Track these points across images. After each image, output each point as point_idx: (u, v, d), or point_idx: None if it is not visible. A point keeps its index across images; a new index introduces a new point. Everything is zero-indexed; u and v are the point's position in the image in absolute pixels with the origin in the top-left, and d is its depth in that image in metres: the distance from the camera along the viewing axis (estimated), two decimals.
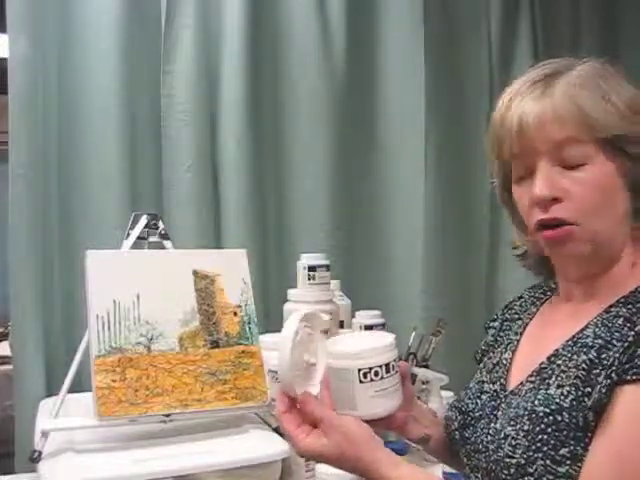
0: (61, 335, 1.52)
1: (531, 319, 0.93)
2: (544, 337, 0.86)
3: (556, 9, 2.10)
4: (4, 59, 1.44)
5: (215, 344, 1.20)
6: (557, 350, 0.80)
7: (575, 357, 0.76)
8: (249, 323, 1.24)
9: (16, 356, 1.46)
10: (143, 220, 1.33)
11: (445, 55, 1.91)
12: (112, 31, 1.56)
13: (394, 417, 0.84)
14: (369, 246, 1.87)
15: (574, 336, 0.79)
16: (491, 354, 0.96)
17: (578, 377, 0.75)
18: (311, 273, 1.48)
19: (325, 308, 1.43)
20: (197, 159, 1.64)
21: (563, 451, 0.72)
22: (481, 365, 0.96)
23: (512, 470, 0.75)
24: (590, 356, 0.75)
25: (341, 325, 1.50)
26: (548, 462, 0.72)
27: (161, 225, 1.35)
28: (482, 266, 1.97)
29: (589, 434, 0.72)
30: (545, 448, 0.73)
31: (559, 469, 0.72)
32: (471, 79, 1.96)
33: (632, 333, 0.72)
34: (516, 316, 0.97)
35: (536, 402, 0.77)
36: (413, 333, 1.62)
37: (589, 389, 0.73)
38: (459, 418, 0.89)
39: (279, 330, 1.53)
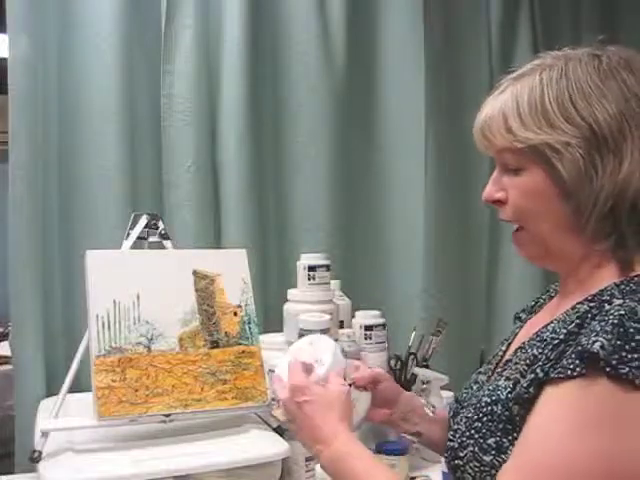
0: (61, 335, 1.52)
1: (535, 313, 0.94)
2: (528, 332, 0.87)
3: (556, 9, 2.10)
4: (4, 59, 1.43)
5: (215, 344, 1.20)
6: (523, 343, 0.81)
7: (529, 351, 0.77)
8: (249, 323, 1.24)
9: (16, 356, 1.46)
10: (143, 220, 1.33)
11: (445, 55, 1.91)
12: (112, 31, 1.56)
13: (374, 416, 0.94)
14: (369, 246, 1.87)
15: (538, 330, 0.80)
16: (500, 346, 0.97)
17: (520, 371, 0.76)
18: (311, 273, 1.48)
19: (325, 308, 1.43)
20: (197, 159, 1.64)
21: (490, 441, 0.74)
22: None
23: (448, 452, 0.80)
24: (536, 351, 0.75)
25: (341, 325, 1.50)
26: (476, 449, 0.75)
27: (161, 225, 1.35)
28: (482, 266, 1.97)
29: (517, 428, 0.72)
30: (477, 435, 0.76)
31: (484, 458, 0.74)
32: (471, 79, 1.96)
33: (564, 331, 0.72)
34: (532, 310, 0.98)
35: (485, 392, 0.80)
36: (413, 333, 1.62)
37: (522, 389, 0.74)
38: (454, 407, 0.92)
39: (279, 330, 1.54)
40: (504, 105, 0.79)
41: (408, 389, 1.55)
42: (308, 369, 0.90)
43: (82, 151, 1.56)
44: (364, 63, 1.86)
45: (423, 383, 1.51)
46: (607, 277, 0.76)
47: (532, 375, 0.72)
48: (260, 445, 1.14)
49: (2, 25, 1.45)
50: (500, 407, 0.75)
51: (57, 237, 1.54)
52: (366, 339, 1.45)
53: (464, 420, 0.80)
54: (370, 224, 1.88)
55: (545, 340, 0.75)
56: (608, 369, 0.64)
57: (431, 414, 1.00)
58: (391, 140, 1.89)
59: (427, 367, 1.56)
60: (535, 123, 0.76)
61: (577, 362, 0.66)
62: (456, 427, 0.82)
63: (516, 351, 0.81)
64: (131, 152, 1.59)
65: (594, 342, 0.65)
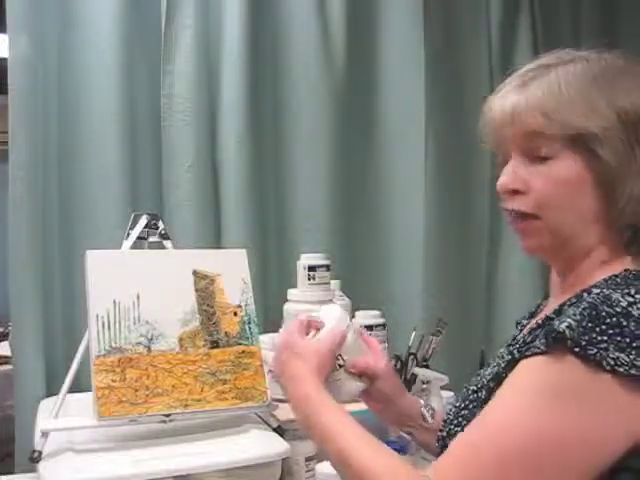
0: (61, 335, 1.52)
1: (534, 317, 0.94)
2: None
3: (556, 9, 2.09)
4: (4, 59, 1.43)
5: (215, 344, 1.20)
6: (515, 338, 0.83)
7: (503, 354, 0.80)
8: (249, 323, 1.24)
9: (16, 356, 1.46)
10: (143, 220, 1.33)
11: (445, 55, 1.91)
12: (112, 31, 1.56)
13: (367, 399, 0.97)
14: (369, 246, 1.87)
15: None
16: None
17: (502, 356, 0.79)
18: (311, 273, 1.48)
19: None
20: (197, 159, 1.64)
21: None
22: None
23: (439, 443, 0.82)
24: (517, 339, 0.78)
25: None
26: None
27: (161, 225, 1.35)
28: (482, 266, 1.97)
29: None
30: (464, 422, 0.77)
31: None
32: (471, 79, 1.95)
33: (545, 315, 0.74)
34: (533, 315, 0.98)
35: (472, 382, 0.82)
36: (413, 333, 1.62)
37: (499, 369, 0.76)
38: (452, 410, 0.91)
39: (279, 330, 1.53)
40: (540, 91, 0.76)
41: (408, 389, 1.55)
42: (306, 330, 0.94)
43: (82, 151, 1.56)
44: (364, 63, 1.86)
45: (423, 383, 1.51)
46: (607, 273, 0.76)
47: (509, 357, 0.74)
48: (260, 445, 1.14)
49: (2, 25, 1.45)
50: (484, 392, 0.77)
51: (57, 237, 1.54)
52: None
53: (453, 410, 0.82)
54: (370, 224, 1.88)
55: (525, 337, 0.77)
56: (577, 349, 0.64)
57: (430, 419, 0.99)
58: (391, 140, 1.89)
59: (427, 367, 1.56)
60: (577, 108, 0.75)
61: (544, 340, 0.67)
62: (445, 418, 0.84)
63: (508, 347, 0.82)
64: (131, 152, 1.59)
65: (562, 322, 0.66)
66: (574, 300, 0.72)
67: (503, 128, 0.79)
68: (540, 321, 0.76)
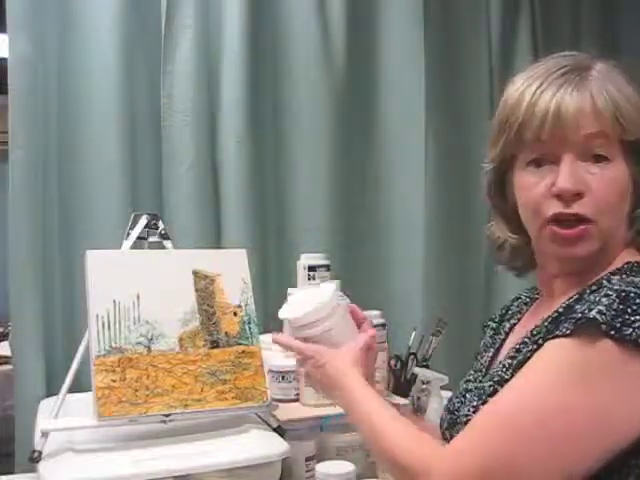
0: (61, 335, 1.52)
1: (520, 319, 0.94)
2: (518, 337, 0.87)
3: (556, 9, 2.10)
4: (4, 59, 1.43)
5: (215, 344, 1.20)
6: (517, 344, 0.83)
7: (522, 348, 0.80)
8: (249, 323, 1.24)
9: (16, 356, 1.46)
10: (143, 220, 1.33)
11: (445, 55, 1.91)
12: (112, 31, 1.56)
13: None
14: (369, 246, 1.87)
15: (532, 329, 0.81)
16: (484, 353, 0.97)
17: (518, 350, 0.79)
18: (311, 273, 1.48)
19: None
20: (197, 159, 1.64)
21: None
22: (473, 365, 0.98)
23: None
24: (533, 332, 0.78)
25: None
26: None
27: (161, 225, 1.35)
28: (482, 266, 1.97)
29: None
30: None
31: None
32: (471, 79, 1.96)
33: (564, 304, 0.74)
34: (511, 316, 0.98)
35: (485, 379, 0.82)
36: (413, 333, 1.62)
37: (520, 357, 0.77)
38: (447, 417, 0.91)
39: (279, 330, 1.54)
40: (605, 93, 0.76)
41: (408, 389, 1.55)
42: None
43: (82, 151, 1.56)
44: (364, 63, 1.86)
45: (423, 383, 1.51)
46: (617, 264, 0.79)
47: (534, 346, 0.74)
48: (260, 445, 1.14)
49: (2, 25, 1.45)
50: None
51: (57, 237, 1.54)
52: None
53: (472, 410, 0.80)
54: (370, 224, 1.88)
55: (542, 328, 0.77)
56: (612, 332, 0.65)
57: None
58: (391, 140, 1.88)
59: (427, 367, 1.56)
60: None
61: (570, 325, 0.68)
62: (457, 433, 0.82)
63: (508, 352, 0.83)
64: (131, 152, 1.59)
65: (590, 309, 0.67)
66: (594, 288, 0.73)
67: (561, 128, 0.76)
68: (559, 311, 0.76)
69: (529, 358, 0.73)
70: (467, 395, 0.89)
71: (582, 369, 0.66)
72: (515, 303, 1.01)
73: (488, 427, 0.70)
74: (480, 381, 0.90)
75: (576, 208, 0.75)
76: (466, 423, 0.78)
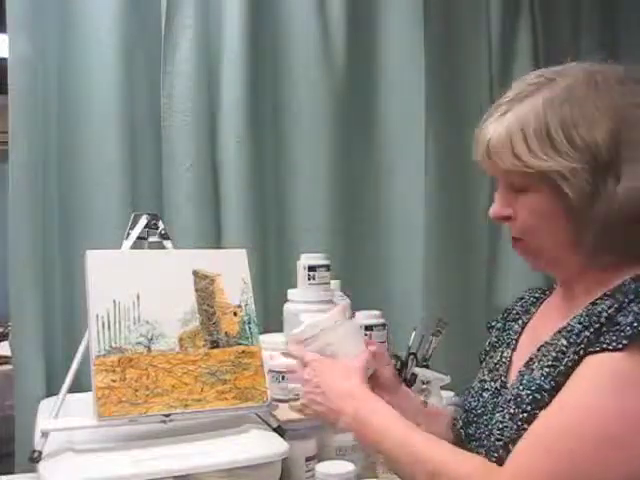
0: (61, 335, 1.52)
1: (530, 319, 0.95)
2: (540, 334, 0.87)
3: (556, 9, 2.10)
4: (4, 59, 1.43)
5: (215, 344, 1.20)
6: (546, 342, 0.83)
7: (556, 342, 0.80)
8: (249, 323, 1.24)
9: (16, 356, 1.46)
10: (143, 220, 1.33)
11: (445, 55, 1.91)
12: (112, 31, 1.56)
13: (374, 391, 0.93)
14: (369, 246, 1.87)
15: (561, 327, 0.82)
16: (492, 353, 0.97)
17: (556, 358, 0.78)
18: (311, 273, 1.48)
19: (325, 308, 1.43)
20: (197, 159, 1.64)
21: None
22: (483, 364, 0.98)
23: (500, 452, 0.79)
24: (569, 340, 0.78)
25: None
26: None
27: (161, 225, 1.35)
28: (482, 266, 1.97)
29: None
30: (527, 427, 0.76)
31: None
32: (471, 79, 1.96)
33: (605, 315, 0.75)
34: (517, 316, 0.99)
35: (520, 387, 0.81)
36: (413, 333, 1.62)
37: (562, 367, 0.77)
38: (463, 416, 0.92)
39: (279, 330, 1.54)
40: (509, 129, 0.80)
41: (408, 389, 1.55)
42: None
43: (82, 151, 1.56)
44: (364, 63, 1.86)
45: (423, 383, 1.51)
46: (617, 278, 0.80)
47: (575, 356, 0.75)
48: (260, 445, 1.14)
49: (2, 25, 1.45)
50: (546, 395, 0.77)
51: (57, 237, 1.54)
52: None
53: (507, 417, 0.81)
54: (370, 224, 1.88)
55: (571, 330, 0.79)
56: None
57: (424, 406, 1.01)
58: (391, 140, 1.89)
59: (427, 367, 1.56)
60: (542, 150, 0.78)
61: (624, 340, 0.70)
62: (488, 429, 0.84)
63: (539, 348, 0.83)
64: (131, 152, 1.59)
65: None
66: (632, 296, 0.75)
67: (483, 159, 0.85)
68: (590, 319, 0.77)
69: (571, 368, 0.75)
70: (484, 394, 0.90)
71: (635, 379, 0.69)
72: (519, 303, 1.02)
73: (547, 444, 0.71)
74: (502, 382, 0.90)
75: (512, 229, 0.86)
76: (501, 430, 0.80)
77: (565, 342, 0.78)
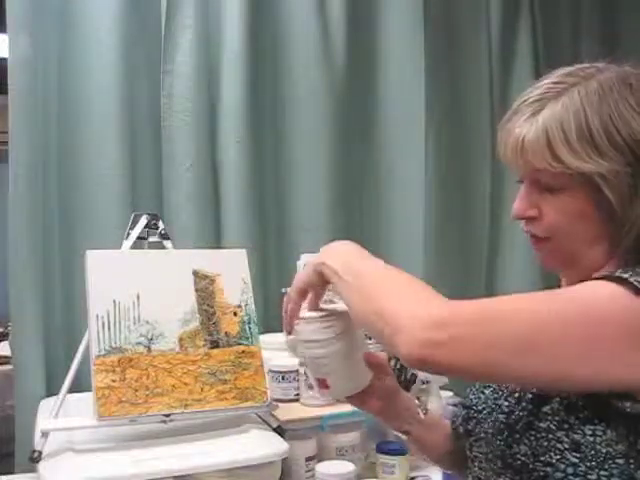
0: (61, 335, 1.52)
1: None
2: None
3: (556, 9, 2.10)
4: (4, 59, 1.44)
5: (215, 344, 1.20)
6: None
7: None
8: (249, 323, 1.24)
9: (16, 356, 1.46)
10: (143, 220, 1.33)
11: (445, 55, 1.91)
12: (112, 31, 1.56)
13: (368, 400, 0.90)
14: (369, 246, 1.84)
15: None
16: None
17: None
18: None
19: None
20: (197, 159, 1.64)
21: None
22: None
23: (502, 447, 0.79)
24: None
25: None
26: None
27: (161, 225, 1.35)
28: (482, 266, 1.97)
29: None
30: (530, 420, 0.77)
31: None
32: (471, 79, 1.96)
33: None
34: None
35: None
36: None
37: None
38: (463, 412, 0.93)
39: (279, 330, 1.53)
40: (547, 129, 0.78)
41: (408, 389, 1.55)
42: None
43: (82, 151, 1.56)
44: (364, 63, 1.86)
45: (423, 383, 1.51)
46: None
47: None
48: (260, 445, 1.14)
49: (2, 25, 1.45)
50: None
51: (57, 237, 1.54)
52: (366, 339, 1.44)
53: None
54: (370, 224, 1.88)
55: None
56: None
57: (422, 416, 0.99)
58: (391, 140, 1.89)
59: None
60: (585, 151, 0.76)
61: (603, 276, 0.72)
62: (488, 424, 0.84)
63: None
64: (131, 152, 1.59)
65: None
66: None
67: (514, 158, 0.81)
68: None
69: None
70: (485, 391, 0.91)
71: (605, 306, 0.69)
72: None
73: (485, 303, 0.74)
74: None
75: (532, 228, 0.83)
76: (502, 428, 0.80)
77: None
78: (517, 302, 0.73)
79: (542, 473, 0.73)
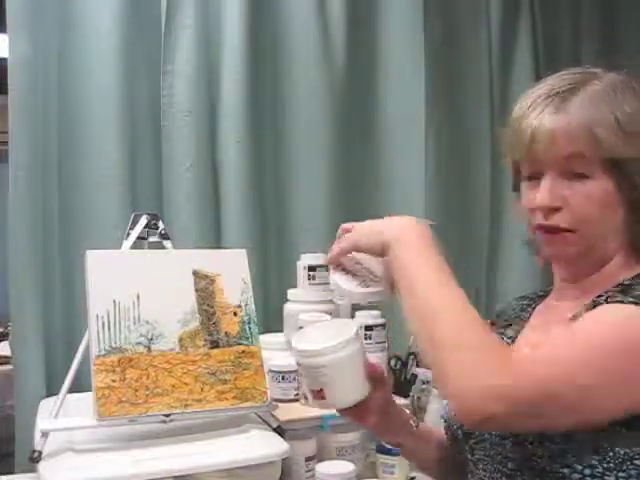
0: (61, 335, 1.52)
1: (524, 323, 0.94)
2: (540, 336, 0.86)
3: (556, 9, 2.10)
4: (4, 59, 1.44)
5: (215, 344, 1.20)
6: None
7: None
8: (249, 323, 1.24)
9: (16, 356, 1.46)
10: (143, 220, 1.33)
11: (445, 55, 1.91)
12: (112, 31, 1.56)
13: (363, 414, 0.88)
14: None
15: (572, 317, 0.82)
16: None
17: None
18: (311, 273, 1.48)
19: (325, 308, 1.43)
20: (197, 159, 1.64)
21: None
22: None
23: (504, 446, 0.79)
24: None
25: None
26: None
27: (161, 225, 1.35)
28: (482, 266, 1.97)
29: None
30: None
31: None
32: (471, 79, 1.96)
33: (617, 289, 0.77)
34: (507, 323, 0.98)
35: None
36: None
37: None
38: None
39: (279, 330, 1.54)
40: (584, 115, 0.79)
41: (408, 389, 1.56)
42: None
43: (82, 151, 1.56)
44: (364, 63, 1.86)
45: (423, 383, 1.52)
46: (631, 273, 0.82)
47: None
48: (260, 445, 1.14)
49: (2, 25, 1.45)
50: None
51: (57, 237, 1.54)
52: (366, 339, 1.45)
53: None
54: None
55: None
56: None
57: (414, 427, 0.98)
58: (391, 140, 1.89)
59: (427, 367, 1.56)
60: (618, 136, 0.78)
61: (631, 298, 0.73)
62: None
63: None
64: (131, 152, 1.59)
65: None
66: (612, 293, 0.77)
67: (541, 148, 0.80)
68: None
69: None
70: None
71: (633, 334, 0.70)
72: (509, 309, 1.02)
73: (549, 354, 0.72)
74: None
75: (555, 220, 0.82)
76: None
77: None
78: (581, 372, 0.70)
79: (560, 475, 0.73)
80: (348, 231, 0.92)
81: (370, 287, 0.88)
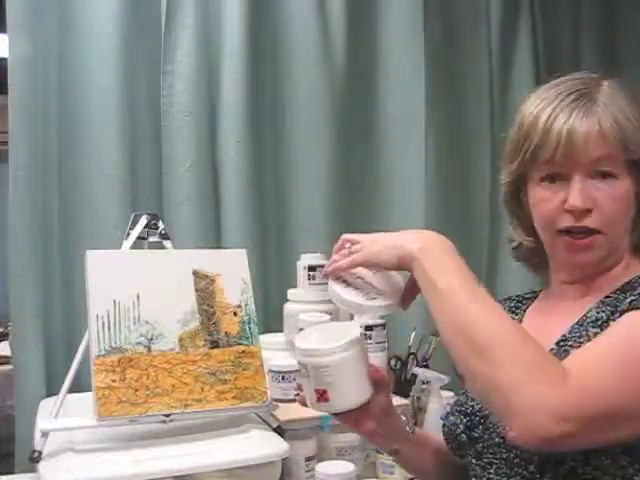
0: (61, 335, 1.52)
1: (520, 322, 0.94)
2: (542, 336, 0.86)
3: (556, 9, 2.10)
4: (4, 59, 1.44)
5: (215, 344, 1.20)
6: (564, 335, 0.83)
7: (584, 332, 0.81)
8: (249, 323, 1.24)
9: (16, 356, 1.46)
10: (143, 220, 1.33)
11: (445, 55, 1.91)
12: (112, 31, 1.56)
13: (362, 419, 0.87)
14: None
15: (577, 321, 0.83)
16: None
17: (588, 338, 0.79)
18: (311, 273, 1.48)
19: (325, 308, 1.43)
20: (197, 159, 1.64)
21: None
22: None
23: (513, 451, 0.80)
24: (600, 324, 0.80)
25: None
26: None
27: (161, 225, 1.35)
28: (482, 266, 1.97)
29: None
30: None
31: None
32: (471, 79, 1.96)
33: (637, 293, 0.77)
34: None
35: None
36: (413, 333, 1.62)
37: None
38: (464, 420, 0.90)
39: (279, 330, 1.54)
40: (614, 118, 0.81)
41: (408, 389, 1.56)
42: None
43: (82, 151, 1.56)
44: (364, 63, 1.86)
45: (423, 383, 1.51)
46: (626, 277, 0.84)
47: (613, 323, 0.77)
48: (260, 445, 1.14)
49: (2, 25, 1.45)
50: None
51: (57, 237, 1.54)
52: (366, 339, 1.45)
53: None
54: (370, 224, 1.87)
55: (598, 318, 0.81)
56: None
57: (410, 434, 0.97)
58: (391, 140, 1.88)
59: (427, 367, 1.56)
60: None
61: None
62: (496, 430, 0.84)
63: (559, 343, 0.82)
64: (131, 152, 1.59)
65: None
66: (623, 292, 0.79)
67: (572, 153, 0.81)
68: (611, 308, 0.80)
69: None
70: None
71: None
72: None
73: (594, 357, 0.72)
74: None
75: (586, 222, 0.83)
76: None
77: (597, 329, 0.79)
78: (633, 381, 0.69)
79: (590, 477, 0.73)
80: (349, 242, 0.89)
81: (376, 300, 0.88)
